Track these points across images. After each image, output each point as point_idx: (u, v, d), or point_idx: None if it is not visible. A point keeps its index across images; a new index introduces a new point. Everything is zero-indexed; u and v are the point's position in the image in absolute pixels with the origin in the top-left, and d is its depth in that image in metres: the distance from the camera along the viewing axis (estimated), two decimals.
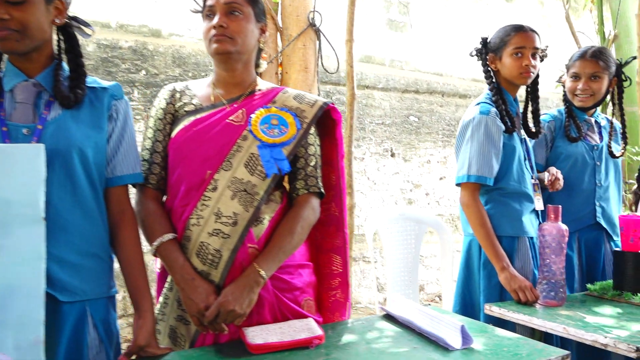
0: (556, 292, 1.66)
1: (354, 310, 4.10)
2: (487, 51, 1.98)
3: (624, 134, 2.26)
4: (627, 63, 2.25)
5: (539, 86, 2.05)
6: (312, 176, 1.39)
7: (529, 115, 2.07)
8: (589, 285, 1.86)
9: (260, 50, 1.46)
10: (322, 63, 3.31)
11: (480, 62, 2.00)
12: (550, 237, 1.67)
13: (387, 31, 4.86)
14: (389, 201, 4.70)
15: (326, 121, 1.45)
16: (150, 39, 3.82)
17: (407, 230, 2.53)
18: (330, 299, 1.46)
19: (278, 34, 3.38)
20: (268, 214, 1.32)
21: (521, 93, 2.11)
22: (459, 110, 5.07)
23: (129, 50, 3.69)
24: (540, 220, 1.96)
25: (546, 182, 1.99)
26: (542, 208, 1.94)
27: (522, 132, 2.01)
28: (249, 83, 1.42)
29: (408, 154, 4.84)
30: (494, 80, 1.95)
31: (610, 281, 1.87)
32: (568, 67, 2.18)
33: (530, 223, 1.90)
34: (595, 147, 2.20)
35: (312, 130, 1.40)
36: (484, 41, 2.00)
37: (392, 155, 4.75)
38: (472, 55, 2.03)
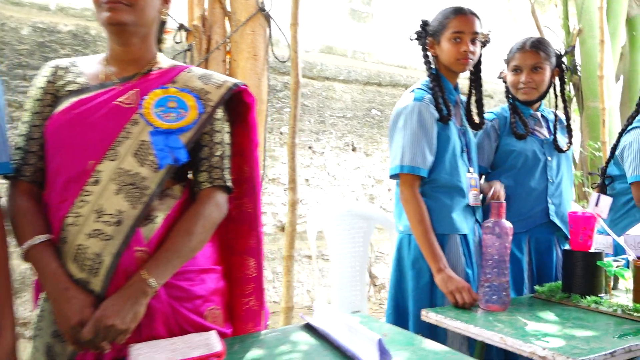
0: (499, 296, 1.53)
1: (308, 311, 3.93)
2: (426, 35, 1.84)
3: (568, 126, 2.15)
4: (567, 53, 2.15)
5: (482, 74, 1.94)
6: (217, 168, 1.21)
7: (473, 105, 1.95)
8: (537, 287, 1.73)
9: (163, 23, 1.28)
10: (272, 50, 3.14)
11: (420, 46, 1.86)
12: (493, 236, 1.53)
13: (349, 21, 4.70)
14: (350, 197, 4.56)
15: (239, 106, 1.27)
16: (93, 23, 3.58)
17: (355, 227, 2.38)
18: (243, 306, 1.29)
19: (226, 18, 3.18)
20: (162, 211, 1.14)
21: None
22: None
23: (68, 35, 3.45)
24: (477, 216, 1.84)
25: (487, 198, 1.86)
26: (478, 203, 1.83)
27: (465, 122, 1.89)
28: (148, 60, 1.23)
29: (370, 149, 4.70)
30: (432, 66, 1.84)
31: (560, 282, 1.75)
32: (508, 61, 2.06)
33: (462, 219, 1.78)
34: (545, 142, 2.09)
35: (220, 114, 1.23)
36: (424, 24, 1.86)
37: (354, 149, 4.60)
38: (412, 40, 1.89)
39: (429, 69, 1.84)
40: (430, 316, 1.49)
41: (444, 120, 1.78)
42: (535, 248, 1.96)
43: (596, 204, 1.72)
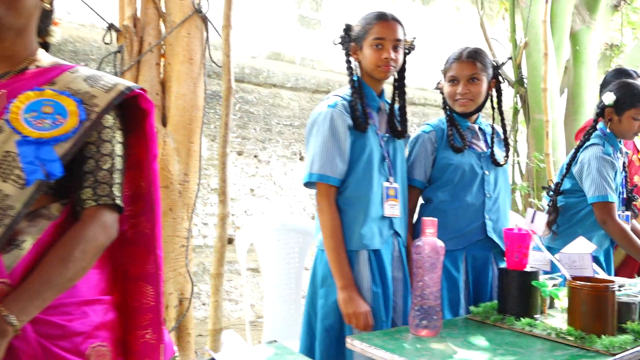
0: (429, 320, 1.42)
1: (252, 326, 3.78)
2: (349, 40, 1.76)
3: (505, 140, 2.10)
4: (503, 64, 2.11)
5: (406, 75, 1.87)
6: (104, 183, 1.05)
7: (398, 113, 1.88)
8: (472, 308, 1.65)
9: (47, 13, 1.11)
10: (210, 54, 2.99)
11: (344, 51, 1.78)
12: (423, 256, 1.43)
13: (298, 28, 4.60)
14: (297, 207, 4.43)
15: (135, 112, 1.12)
16: None
17: (290, 242, 2.25)
18: (139, 340, 1.13)
19: (161, 19, 3.00)
20: (31, 235, 0.97)
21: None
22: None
23: None
24: (397, 228, 1.77)
25: None
26: (396, 214, 1.75)
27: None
28: (24, 57, 1.07)
29: None
30: (354, 72, 1.77)
31: (496, 302, 1.67)
32: (445, 71, 2.00)
33: (374, 233, 1.70)
34: (483, 155, 2.02)
35: (110, 122, 1.07)
36: (347, 29, 1.78)
37: (301, 158, 4.48)
38: (335, 44, 1.81)
39: (350, 74, 1.78)
40: (355, 344, 1.37)
41: (359, 128, 1.70)
42: (472, 266, 1.89)
43: (532, 221, 1.66)
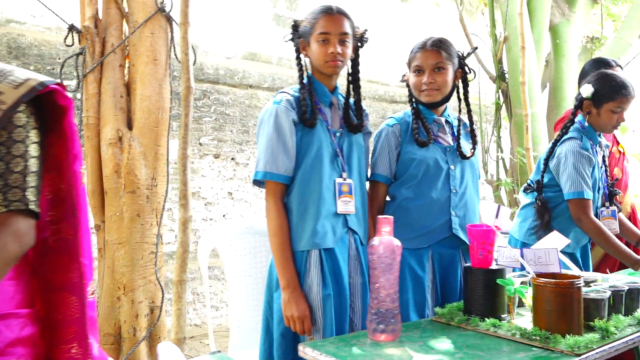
0: (387, 324, 1.35)
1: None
2: (298, 36, 1.71)
3: (472, 131, 2.03)
4: (469, 55, 2.04)
5: (359, 68, 1.82)
6: (15, 187, 0.97)
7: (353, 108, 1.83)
8: (437, 309, 1.57)
9: None
10: (175, 54, 2.91)
11: (294, 48, 1.73)
12: (378, 256, 1.36)
13: (273, 27, 4.52)
14: None
15: (53, 110, 1.04)
16: None
17: (257, 246, 2.17)
18: (64, 355, 1.05)
19: (124, 20, 2.92)
20: None
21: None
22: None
23: None
24: (352, 226, 1.71)
25: None
26: (349, 211, 1.70)
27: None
28: None
29: None
30: (304, 68, 1.73)
31: (462, 303, 1.60)
32: (410, 62, 1.93)
33: (325, 231, 1.65)
34: (449, 149, 1.95)
35: (23, 121, 0.99)
36: (295, 25, 1.73)
37: None
38: (286, 41, 1.76)
39: (299, 70, 1.73)
40: (307, 352, 1.29)
41: (306, 124, 1.65)
42: (439, 265, 1.82)
43: (496, 216, 1.59)
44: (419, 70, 1.87)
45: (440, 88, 1.87)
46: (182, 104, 2.19)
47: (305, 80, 1.74)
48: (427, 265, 1.82)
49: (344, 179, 1.72)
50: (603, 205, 2.26)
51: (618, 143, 2.75)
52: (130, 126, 2.91)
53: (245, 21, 4.31)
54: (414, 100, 1.97)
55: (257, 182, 1.68)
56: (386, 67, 5.11)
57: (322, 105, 1.73)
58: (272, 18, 4.53)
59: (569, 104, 5.14)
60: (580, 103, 2.21)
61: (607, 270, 2.36)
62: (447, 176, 1.91)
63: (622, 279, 1.61)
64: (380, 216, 1.39)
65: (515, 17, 4.86)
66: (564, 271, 1.51)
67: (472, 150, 1.99)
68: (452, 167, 1.93)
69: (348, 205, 1.71)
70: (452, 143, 1.98)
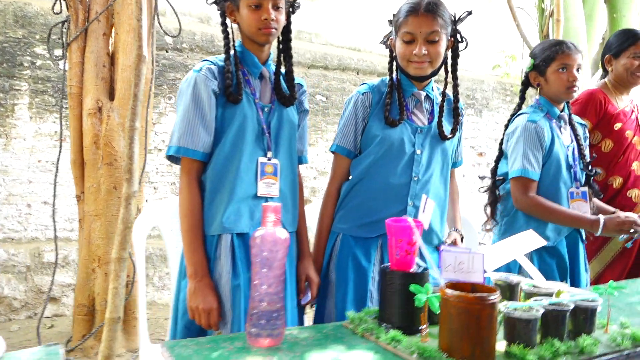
0: (267, 327, 1.17)
1: None
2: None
3: (455, 109, 1.77)
4: (461, 20, 1.75)
5: (291, 37, 1.62)
6: None
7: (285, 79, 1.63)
8: (348, 313, 1.36)
9: None
10: (159, 23, 2.80)
11: (219, 12, 1.55)
12: (261, 250, 1.17)
13: None
14: None
15: None
16: None
17: None
18: None
19: None
20: None
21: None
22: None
23: None
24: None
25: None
26: (272, 194, 1.54)
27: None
28: None
29: (313, 138, 4.33)
30: (229, 35, 1.55)
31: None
32: (398, 25, 1.67)
33: (240, 215, 1.49)
34: (420, 130, 1.72)
35: None
36: None
37: None
38: (210, 4, 1.58)
39: (225, 37, 1.55)
40: (159, 350, 1.14)
41: (230, 98, 1.49)
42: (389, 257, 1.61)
43: (423, 210, 1.35)
44: (410, 40, 1.63)
45: (433, 60, 1.65)
46: (134, 73, 2.07)
47: (237, 49, 1.57)
48: (375, 256, 1.65)
49: (269, 159, 1.55)
50: (576, 185, 1.98)
51: None
52: (112, 97, 2.86)
53: None
54: (396, 68, 1.74)
55: (171, 158, 1.53)
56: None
57: (250, 77, 1.56)
58: None
59: None
60: (527, 79, 2.05)
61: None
62: (411, 161, 1.70)
63: (584, 295, 1.32)
64: (265, 204, 1.19)
65: None
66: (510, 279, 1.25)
67: (453, 132, 1.76)
68: (418, 151, 1.71)
69: (271, 188, 1.54)
70: (426, 123, 1.75)
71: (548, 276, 1.91)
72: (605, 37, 4.84)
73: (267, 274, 1.17)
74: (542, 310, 1.17)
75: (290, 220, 1.60)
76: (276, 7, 1.48)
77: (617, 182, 2.33)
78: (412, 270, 1.29)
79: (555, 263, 1.91)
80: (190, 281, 1.44)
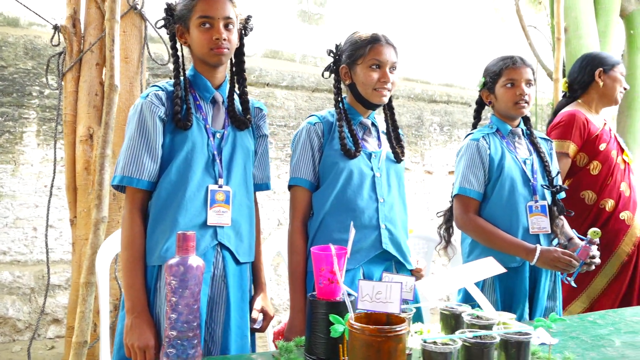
0: (174, 356, 1.16)
1: None
2: (173, 21, 1.53)
3: (398, 136, 1.80)
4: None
5: (244, 58, 1.62)
6: None
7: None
8: (278, 343, 1.33)
9: None
10: (148, 52, 2.89)
11: (168, 35, 1.56)
12: (176, 278, 1.17)
13: (298, 24, 4.38)
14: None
15: None
16: (4, 28, 3.48)
17: None
18: None
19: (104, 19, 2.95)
20: None
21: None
22: (382, 112, 4.53)
23: None
24: (224, 241, 1.50)
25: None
26: (225, 223, 1.49)
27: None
28: None
29: None
30: (179, 60, 1.54)
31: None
32: (360, 55, 1.66)
33: None
34: (374, 155, 1.72)
35: None
36: (168, 8, 1.53)
37: None
38: (159, 28, 1.59)
39: (175, 61, 1.54)
40: None
41: (178, 125, 1.46)
42: None
43: (351, 239, 1.31)
44: (377, 67, 1.65)
45: (391, 89, 1.69)
46: (105, 102, 2.14)
47: (189, 72, 1.56)
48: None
49: (220, 186, 1.51)
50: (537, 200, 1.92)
51: (622, 151, 2.25)
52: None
53: (269, 18, 4.22)
54: (340, 99, 1.74)
55: (117, 187, 1.50)
56: (426, 64, 4.74)
57: (202, 101, 1.54)
58: (298, 14, 4.39)
59: None
60: (480, 99, 2.03)
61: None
62: (373, 184, 1.70)
63: (522, 329, 1.24)
64: (179, 232, 1.19)
65: (576, 6, 4.27)
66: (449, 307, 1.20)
67: (402, 155, 1.77)
68: (377, 174, 1.71)
69: (222, 217, 1.49)
70: (377, 148, 1.75)
71: (508, 299, 1.83)
72: (624, 55, 4.68)
73: (178, 302, 1.16)
74: (460, 343, 1.11)
75: (245, 251, 1.55)
76: (227, 27, 1.48)
77: (609, 204, 2.23)
78: (337, 299, 1.26)
79: (515, 285, 1.83)
80: (127, 316, 1.39)
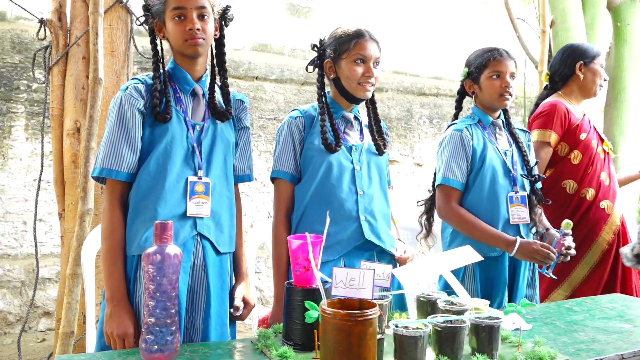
0: (152, 342, 1.18)
1: None
2: (151, 16, 1.55)
3: (379, 129, 1.83)
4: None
5: (225, 50, 1.62)
6: None
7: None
8: (259, 330, 1.37)
9: None
10: (135, 45, 2.90)
11: (148, 30, 1.58)
12: (154, 267, 1.19)
13: (287, 17, 4.39)
14: None
15: None
16: None
17: None
18: None
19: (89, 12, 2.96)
20: None
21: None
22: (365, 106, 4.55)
23: None
24: (203, 231, 1.52)
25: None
26: (202, 214, 1.51)
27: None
28: None
29: None
30: (158, 53, 1.56)
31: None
32: (344, 50, 1.70)
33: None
34: (354, 149, 1.75)
35: None
36: (146, 4, 1.55)
37: None
38: (139, 25, 1.61)
39: (154, 55, 1.55)
40: None
41: (157, 117, 1.48)
42: None
43: (327, 229, 1.34)
44: (361, 61, 1.69)
45: (375, 84, 1.73)
46: (88, 95, 2.15)
47: (169, 66, 1.57)
48: None
49: (199, 178, 1.53)
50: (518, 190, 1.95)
51: (602, 141, 2.28)
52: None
53: (257, 11, 4.22)
54: (323, 93, 1.77)
55: (97, 179, 1.53)
56: (415, 57, 4.76)
57: (182, 94, 1.56)
58: (287, 8, 4.39)
59: (629, 96, 4.46)
60: (462, 87, 2.03)
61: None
62: (353, 176, 1.73)
63: (489, 313, 1.28)
64: (156, 221, 1.22)
65: None
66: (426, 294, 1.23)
67: (384, 147, 1.80)
68: (357, 167, 1.74)
69: (202, 208, 1.52)
70: (359, 141, 1.78)
71: (488, 288, 1.87)
72: (611, 47, 4.71)
73: (156, 289, 1.18)
74: (429, 328, 1.15)
75: (225, 241, 1.58)
76: (201, 17, 1.48)
77: (589, 194, 2.26)
78: (313, 286, 1.29)
79: (495, 274, 1.87)
80: (107, 305, 1.41)
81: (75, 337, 2.89)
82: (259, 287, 4.00)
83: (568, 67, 2.33)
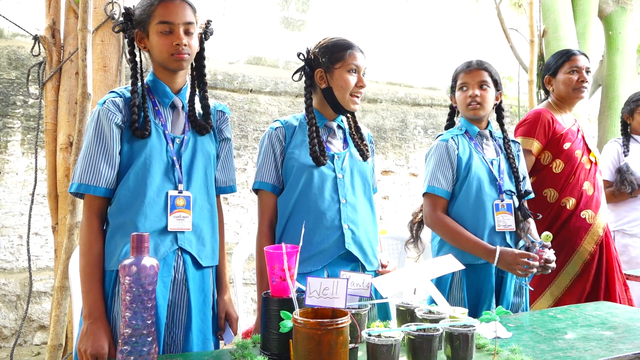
0: (128, 353, 1.19)
1: None
2: (132, 26, 1.54)
3: (360, 137, 1.84)
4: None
5: (205, 63, 1.64)
6: None
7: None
8: (236, 340, 1.38)
9: None
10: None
11: (127, 40, 1.59)
12: (130, 278, 1.21)
13: (281, 30, 4.44)
14: None
15: None
16: None
17: None
18: None
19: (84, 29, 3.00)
20: None
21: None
22: (366, 116, 4.58)
23: None
24: (184, 245, 1.51)
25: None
26: (186, 228, 1.51)
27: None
28: None
29: None
30: (137, 64, 1.54)
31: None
32: (336, 59, 1.71)
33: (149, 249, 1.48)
34: (337, 157, 1.75)
35: None
36: (127, 13, 1.54)
37: None
38: (117, 32, 1.63)
39: (133, 67, 1.53)
40: None
41: (135, 133, 1.47)
42: None
43: (301, 238, 1.35)
44: (354, 70, 1.72)
45: (359, 96, 1.77)
46: (77, 109, 2.18)
47: (148, 78, 1.55)
48: None
49: (180, 192, 1.52)
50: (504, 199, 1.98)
51: (589, 151, 2.29)
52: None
53: (252, 25, 4.27)
54: (310, 102, 1.79)
55: (76, 195, 1.52)
56: (409, 68, 4.80)
57: (161, 107, 1.55)
58: (281, 21, 4.45)
59: (622, 103, 4.48)
60: (452, 105, 2.13)
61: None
62: (335, 185, 1.73)
63: (463, 322, 1.29)
64: (133, 234, 1.23)
65: (554, 8, 4.34)
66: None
67: (368, 154, 1.81)
68: (339, 175, 1.74)
69: (183, 222, 1.51)
70: (342, 150, 1.79)
71: (475, 296, 1.87)
72: (604, 56, 4.74)
73: (132, 300, 1.20)
74: (402, 336, 1.15)
75: (208, 254, 1.57)
76: (188, 33, 1.48)
77: (570, 203, 2.26)
78: (289, 296, 1.30)
79: (482, 283, 1.88)
80: (84, 322, 1.40)
81: (68, 351, 2.90)
82: (253, 299, 4.00)
83: (544, 81, 2.39)
